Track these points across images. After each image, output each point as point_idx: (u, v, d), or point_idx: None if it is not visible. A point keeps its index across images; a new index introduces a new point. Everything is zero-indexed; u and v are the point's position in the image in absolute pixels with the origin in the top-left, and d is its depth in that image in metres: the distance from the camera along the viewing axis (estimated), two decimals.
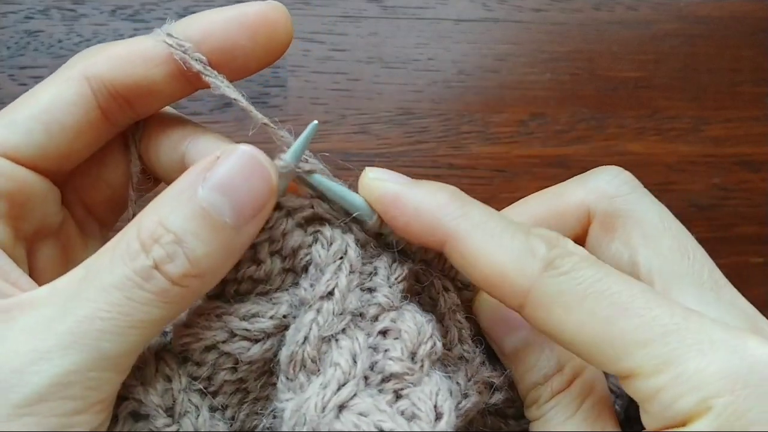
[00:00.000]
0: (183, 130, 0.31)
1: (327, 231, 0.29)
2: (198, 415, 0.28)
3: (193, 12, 0.48)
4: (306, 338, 0.27)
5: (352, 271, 0.28)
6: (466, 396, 0.29)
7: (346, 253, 0.28)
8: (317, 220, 0.29)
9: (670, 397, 0.24)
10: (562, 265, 0.26)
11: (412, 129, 0.49)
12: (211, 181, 0.25)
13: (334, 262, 0.28)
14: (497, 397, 0.31)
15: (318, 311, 0.28)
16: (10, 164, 0.28)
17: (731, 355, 0.24)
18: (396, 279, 0.29)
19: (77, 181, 0.31)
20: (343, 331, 0.28)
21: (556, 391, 0.28)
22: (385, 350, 0.28)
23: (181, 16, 0.48)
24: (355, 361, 0.27)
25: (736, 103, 0.53)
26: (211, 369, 0.29)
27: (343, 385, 0.26)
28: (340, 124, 0.48)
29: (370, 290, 0.29)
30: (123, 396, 0.27)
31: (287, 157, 0.28)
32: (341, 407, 0.26)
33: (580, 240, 0.29)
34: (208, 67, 0.30)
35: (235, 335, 0.28)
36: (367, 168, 0.29)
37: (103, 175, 0.31)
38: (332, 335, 0.28)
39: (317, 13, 0.49)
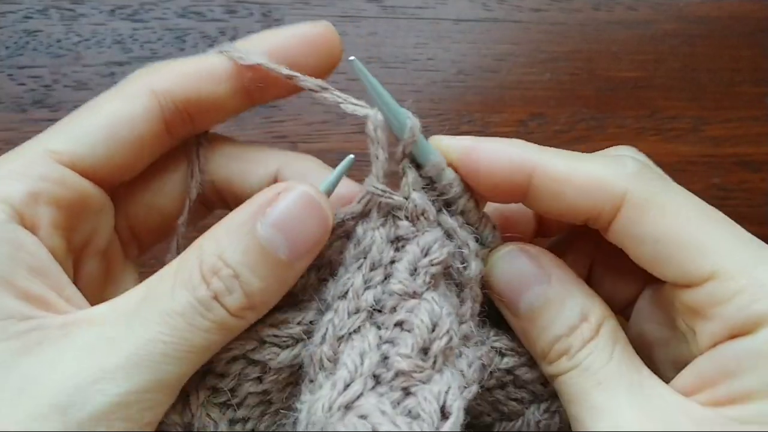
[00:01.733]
0: (265, 153, 0.32)
1: (359, 230, 0.29)
2: (216, 430, 0.28)
3: (193, 12, 0.48)
4: (323, 338, 0.28)
5: (373, 268, 0.29)
6: (467, 387, 0.29)
7: (369, 250, 0.29)
8: (356, 220, 0.29)
9: (748, 299, 0.25)
10: (655, 175, 0.28)
11: None
12: (271, 218, 0.26)
13: (357, 260, 0.29)
14: (507, 362, 0.30)
15: (335, 311, 0.28)
16: (71, 173, 0.28)
17: None
18: (428, 263, 0.29)
19: (130, 205, 0.32)
20: (358, 329, 0.28)
21: (588, 339, 0.28)
22: (398, 344, 0.28)
23: (179, 15, 0.48)
24: (362, 361, 0.27)
25: (736, 103, 0.53)
26: (236, 380, 0.29)
27: (349, 384, 0.27)
28: (340, 124, 0.48)
29: (390, 278, 0.29)
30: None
31: (321, 187, 0.29)
32: (347, 407, 0.26)
33: (605, 219, 0.29)
34: (295, 73, 0.31)
35: (264, 342, 0.29)
36: (435, 136, 0.30)
37: (156, 202, 0.32)
38: (348, 333, 0.28)
39: (317, 13, 0.49)
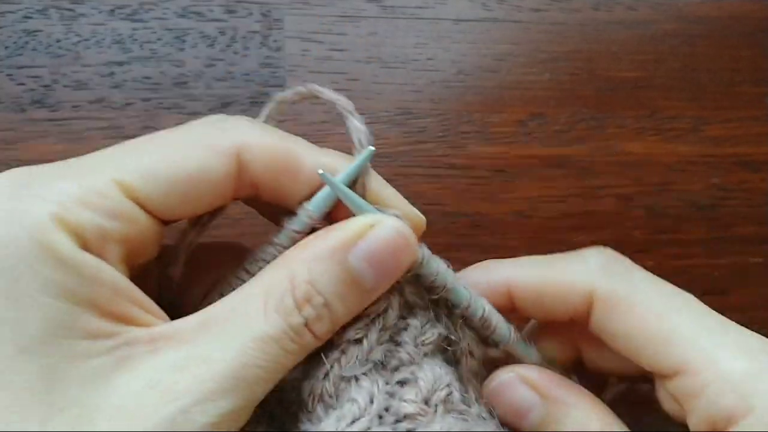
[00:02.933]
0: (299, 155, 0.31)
1: None
2: None
3: (192, 12, 0.48)
4: (327, 374, 0.29)
5: (384, 329, 0.30)
6: None
7: (386, 311, 0.30)
8: None
9: (715, 393, 0.26)
10: (620, 267, 0.30)
11: (411, 129, 0.49)
12: (363, 252, 0.27)
13: (369, 316, 0.29)
14: None
15: (343, 352, 0.29)
16: (140, 212, 0.27)
17: (762, 356, 0.27)
18: (423, 341, 0.30)
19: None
20: (364, 374, 0.29)
21: None
22: (401, 396, 0.29)
23: (179, 15, 0.48)
24: (371, 401, 0.28)
25: (736, 103, 0.53)
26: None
27: (358, 419, 0.27)
28: (339, 125, 0.48)
29: (397, 344, 0.30)
30: None
31: (340, 177, 0.29)
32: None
33: (582, 318, 0.30)
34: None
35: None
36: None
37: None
38: (354, 377, 0.29)
39: (316, 13, 0.49)
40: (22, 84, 0.45)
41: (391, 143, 0.48)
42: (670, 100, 0.52)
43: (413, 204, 0.31)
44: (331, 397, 0.28)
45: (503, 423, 0.30)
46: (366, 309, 0.29)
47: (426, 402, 0.28)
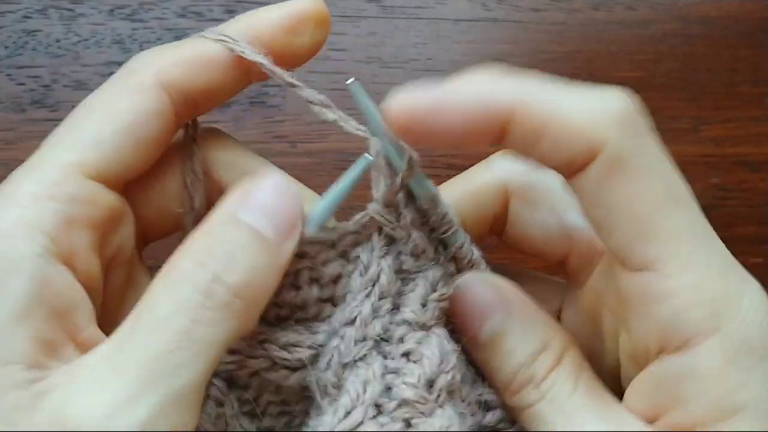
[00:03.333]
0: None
1: (365, 256, 0.29)
2: None
3: (192, 12, 0.48)
4: (328, 364, 0.28)
5: (382, 297, 0.28)
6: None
7: (378, 279, 0.29)
8: (359, 243, 0.29)
9: (681, 304, 0.24)
10: (638, 128, 0.26)
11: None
12: (252, 204, 0.26)
13: (365, 289, 0.28)
14: (491, 417, 0.30)
15: (341, 338, 0.28)
16: (99, 188, 0.27)
17: (741, 282, 0.26)
18: (436, 298, 0.29)
19: (141, 209, 0.30)
20: (363, 357, 0.28)
21: (551, 367, 0.27)
22: (403, 375, 0.28)
23: (179, 15, 0.48)
24: (365, 389, 0.27)
25: (735, 104, 0.53)
26: (257, 391, 0.29)
27: (349, 412, 0.27)
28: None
29: (402, 306, 0.29)
30: None
31: (318, 209, 0.29)
32: None
33: (500, 218, 0.30)
34: (274, 66, 0.30)
35: (275, 364, 0.28)
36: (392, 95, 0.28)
37: (166, 202, 0.31)
38: (353, 361, 0.28)
39: None
40: (22, 84, 0.45)
41: None
42: (670, 101, 0.52)
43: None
44: (335, 387, 0.28)
45: (461, 327, 0.29)
46: (360, 281, 0.28)
47: (429, 385, 0.27)
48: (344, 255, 0.29)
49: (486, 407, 0.30)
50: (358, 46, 0.49)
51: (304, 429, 0.28)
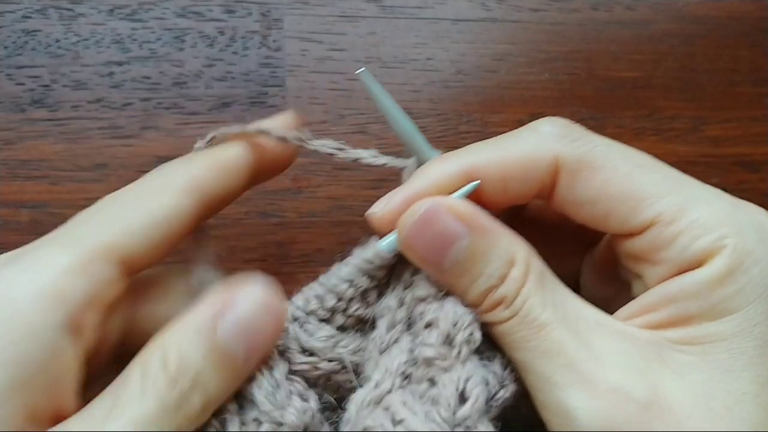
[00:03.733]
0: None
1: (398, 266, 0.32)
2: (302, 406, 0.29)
3: (192, 11, 0.48)
4: (369, 358, 0.31)
5: (404, 288, 0.32)
6: (503, 386, 0.30)
7: (401, 275, 0.32)
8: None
9: (689, 239, 0.27)
10: (578, 133, 0.29)
11: None
12: (229, 322, 0.26)
13: (393, 285, 0.32)
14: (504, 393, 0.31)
15: (377, 328, 0.31)
16: (121, 274, 0.28)
17: (733, 206, 0.28)
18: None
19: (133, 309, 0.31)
20: (396, 340, 0.30)
21: (519, 285, 0.28)
22: (424, 340, 0.29)
23: (178, 15, 0.48)
24: (393, 362, 0.29)
25: (735, 104, 0.53)
26: (321, 391, 0.31)
27: (380, 383, 0.29)
28: (339, 124, 0.48)
29: (414, 288, 0.31)
30: (258, 420, 0.28)
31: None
32: (377, 403, 0.28)
33: (548, 189, 0.30)
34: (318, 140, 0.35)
35: (344, 367, 0.31)
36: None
37: (159, 308, 0.32)
38: (387, 347, 0.30)
39: (315, 13, 0.49)
40: (22, 84, 0.45)
41: (390, 143, 0.48)
42: (670, 100, 0.52)
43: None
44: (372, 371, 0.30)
45: (424, 262, 0.30)
46: (383, 278, 0.31)
47: (449, 342, 0.29)
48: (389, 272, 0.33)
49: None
50: (358, 46, 0.49)
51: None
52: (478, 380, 0.28)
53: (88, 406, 0.26)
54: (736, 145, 0.53)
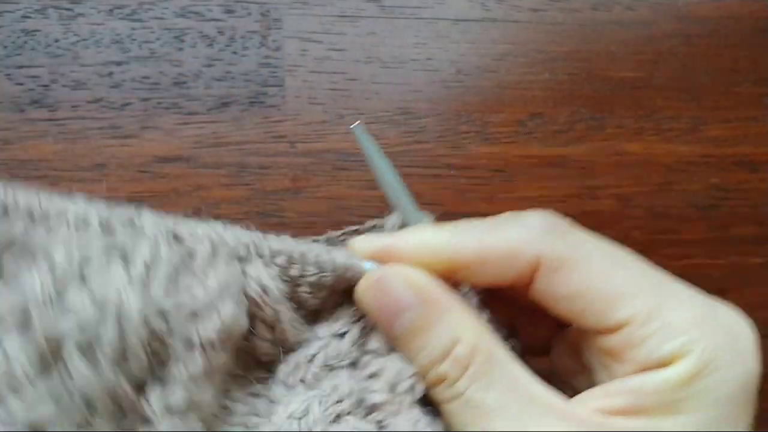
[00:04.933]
0: None
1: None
2: None
3: (191, 11, 0.48)
4: (313, 359, 0.30)
5: (365, 328, 0.31)
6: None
7: (364, 316, 0.31)
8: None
9: (658, 341, 0.27)
10: (564, 230, 0.30)
11: (410, 129, 0.49)
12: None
13: (356, 318, 0.31)
14: None
15: (326, 345, 0.30)
16: None
17: (705, 308, 0.28)
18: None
19: None
20: (342, 367, 0.30)
21: (464, 366, 0.28)
22: (371, 388, 0.30)
23: (178, 15, 0.48)
24: (349, 390, 0.29)
25: (735, 104, 0.53)
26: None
27: (339, 401, 0.29)
28: (338, 124, 0.48)
29: (368, 340, 0.31)
30: None
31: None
32: (338, 416, 0.29)
33: (526, 281, 0.30)
34: None
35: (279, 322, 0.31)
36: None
37: None
38: (334, 365, 0.30)
39: (315, 13, 0.49)
40: (21, 84, 0.45)
41: (389, 143, 0.48)
42: (669, 100, 0.52)
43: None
44: (314, 378, 0.30)
45: (377, 323, 0.30)
46: (353, 308, 0.31)
47: (393, 389, 0.29)
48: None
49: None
50: (357, 46, 0.49)
51: (266, 391, 0.30)
52: (428, 421, 0.29)
53: None
54: (736, 145, 0.53)
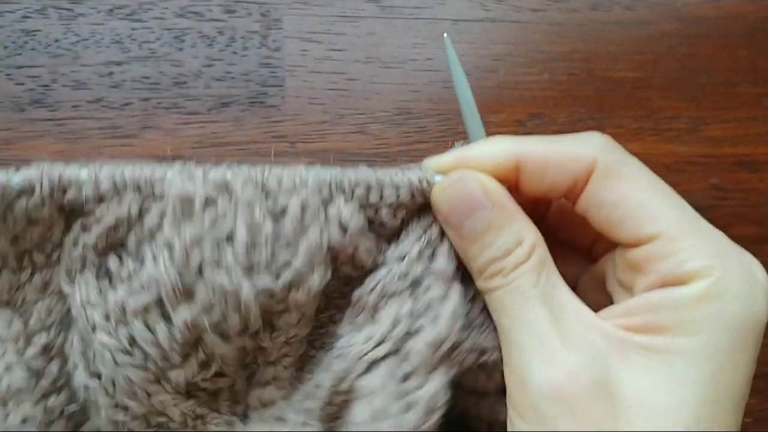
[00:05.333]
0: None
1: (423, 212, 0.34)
2: None
3: (191, 11, 0.48)
4: (373, 289, 0.33)
5: (428, 244, 0.33)
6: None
7: (430, 227, 0.34)
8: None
9: (683, 257, 0.29)
10: (618, 148, 0.33)
11: (410, 129, 0.49)
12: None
13: (419, 234, 0.34)
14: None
15: (389, 271, 0.33)
16: None
17: (731, 247, 0.31)
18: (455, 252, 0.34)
19: None
20: (400, 293, 0.33)
21: (520, 262, 0.32)
22: (416, 331, 0.32)
23: (178, 15, 0.48)
24: (394, 326, 0.32)
25: (735, 104, 0.53)
26: None
27: (380, 344, 0.32)
28: (338, 124, 0.48)
29: (435, 258, 0.33)
30: None
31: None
32: (370, 365, 0.32)
33: (579, 187, 0.33)
34: None
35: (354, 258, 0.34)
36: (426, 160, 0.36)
37: None
38: (391, 294, 0.33)
39: (315, 13, 0.49)
40: (21, 84, 0.45)
41: (390, 143, 0.48)
42: (669, 101, 0.53)
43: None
44: (371, 309, 0.33)
45: (446, 220, 0.34)
46: (417, 224, 0.34)
47: (435, 349, 0.31)
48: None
49: (480, 352, 0.34)
50: (357, 46, 0.49)
51: (338, 328, 0.33)
52: (444, 393, 0.32)
53: None
54: (736, 145, 0.53)
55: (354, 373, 0.31)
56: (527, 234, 0.32)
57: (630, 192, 0.31)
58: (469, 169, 0.33)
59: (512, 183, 0.34)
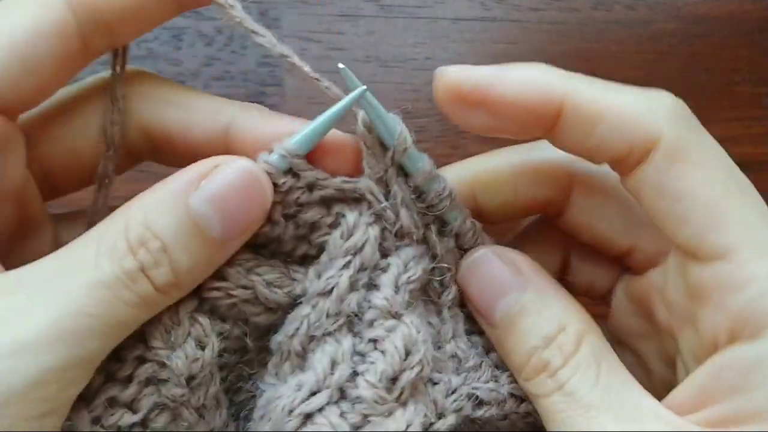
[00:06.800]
0: (214, 103, 0.29)
1: (351, 218, 0.27)
2: (209, 389, 0.27)
3: (190, 11, 0.48)
4: (296, 332, 0.27)
5: (361, 269, 0.27)
6: (441, 416, 0.27)
7: (361, 249, 0.27)
8: (346, 201, 0.28)
9: (757, 292, 0.22)
10: (692, 121, 0.26)
11: (409, 128, 0.48)
12: (205, 192, 0.24)
13: (345, 256, 0.27)
14: (481, 413, 0.28)
15: (313, 307, 0.27)
16: None
17: None
18: (407, 280, 0.27)
19: (43, 144, 0.28)
20: (333, 333, 0.27)
21: (569, 354, 0.25)
22: (370, 363, 0.26)
23: None
24: (332, 371, 0.26)
25: (735, 103, 0.53)
26: (232, 323, 0.27)
27: (315, 393, 0.26)
28: (338, 124, 0.48)
29: (375, 288, 0.27)
30: (142, 358, 0.25)
31: (292, 143, 0.28)
32: (308, 416, 0.26)
33: (635, 158, 0.26)
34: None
35: (257, 299, 0.27)
36: (439, 69, 0.27)
37: (74, 143, 0.28)
38: (322, 334, 0.27)
39: (314, 12, 0.49)
40: None
41: None
42: None
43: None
44: (299, 356, 0.27)
45: (475, 305, 0.28)
46: (342, 246, 0.27)
47: (392, 382, 0.26)
48: (326, 205, 0.28)
49: (477, 402, 0.28)
50: (357, 46, 0.49)
51: (260, 383, 0.28)
52: (417, 427, 0.26)
53: (37, 261, 0.24)
54: (736, 145, 0.53)
55: (287, 429, 0.25)
56: (571, 318, 0.26)
57: (700, 185, 0.24)
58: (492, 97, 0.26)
59: (543, 130, 0.26)
